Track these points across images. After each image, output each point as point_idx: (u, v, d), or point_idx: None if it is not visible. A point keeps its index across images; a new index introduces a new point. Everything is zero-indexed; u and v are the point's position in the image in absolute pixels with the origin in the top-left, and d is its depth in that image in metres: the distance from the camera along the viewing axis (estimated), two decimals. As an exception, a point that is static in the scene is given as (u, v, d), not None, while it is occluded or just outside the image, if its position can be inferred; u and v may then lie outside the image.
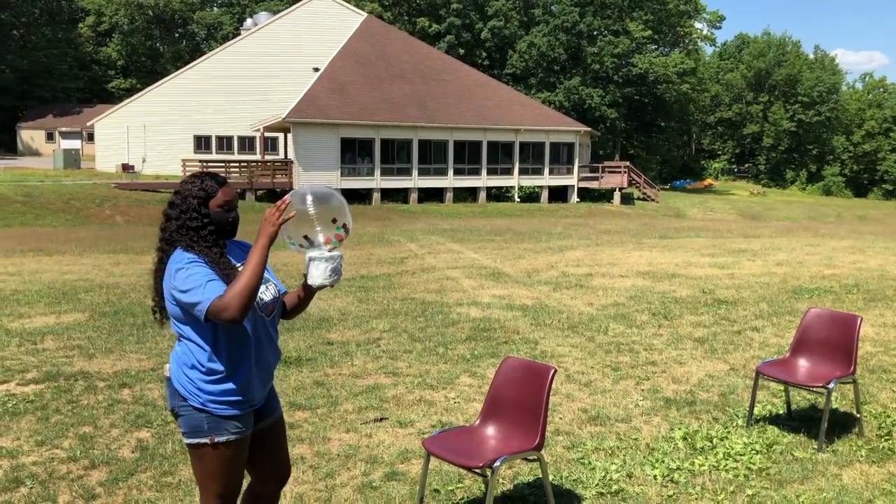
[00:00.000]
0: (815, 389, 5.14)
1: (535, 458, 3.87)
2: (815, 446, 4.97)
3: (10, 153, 60.68)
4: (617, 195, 42.21)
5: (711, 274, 12.82)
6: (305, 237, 2.86)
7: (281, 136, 41.84)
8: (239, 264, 3.00)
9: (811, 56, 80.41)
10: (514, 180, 40.52)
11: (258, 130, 38.78)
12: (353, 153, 36.33)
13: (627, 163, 46.63)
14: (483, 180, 39.58)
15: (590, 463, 4.73)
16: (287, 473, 3.27)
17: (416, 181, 37.38)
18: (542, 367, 3.97)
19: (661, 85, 64.17)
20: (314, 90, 36.52)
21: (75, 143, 59.50)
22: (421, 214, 33.10)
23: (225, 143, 45.73)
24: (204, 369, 2.86)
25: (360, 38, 41.57)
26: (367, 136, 36.37)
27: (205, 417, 2.87)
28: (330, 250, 2.84)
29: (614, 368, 6.90)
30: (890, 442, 5.07)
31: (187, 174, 31.49)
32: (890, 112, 77.24)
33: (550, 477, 4.40)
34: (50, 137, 63.22)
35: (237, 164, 35.66)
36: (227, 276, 2.85)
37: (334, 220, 2.85)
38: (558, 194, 42.09)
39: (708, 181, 70.34)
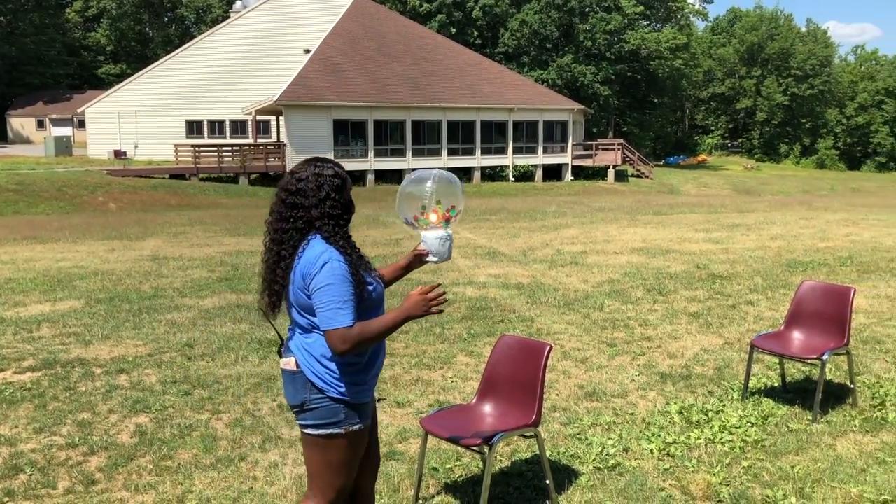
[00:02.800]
0: (809, 361, 5.18)
1: (532, 434, 3.89)
2: (810, 417, 5.01)
3: (1, 141, 60.36)
4: (611, 172, 42.20)
5: (706, 249, 12.85)
6: (417, 217, 3.01)
7: (273, 119, 41.67)
8: None
9: (803, 29, 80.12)
10: (508, 159, 40.47)
11: (250, 114, 38.62)
12: (347, 135, 36.24)
13: (621, 140, 46.56)
14: (477, 160, 39.52)
15: (587, 438, 4.76)
16: (379, 463, 3.27)
17: (409, 162, 37.27)
18: (537, 344, 3.99)
19: (653, 61, 63.97)
20: (305, 72, 36.34)
21: (66, 130, 59.18)
22: (415, 195, 32.97)
23: (217, 127, 45.50)
24: (345, 360, 2.79)
25: (350, 19, 41.32)
26: (359, 118, 36.25)
27: (342, 407, 2.81)
28: (444, 229, 2.96)
29: (610, 344, 6.93)
30: (883, 412, 5.11)
31: (178, 158, 30.98)
32: (882, 84, 77.09)
33: (548, 453, 4.44)
34: (40, 125, 62.89)
35: (230, 148, 35.52)
36: (369, 271, 2.87)
37: (450, 205, 3.00)
38: (553, 173, 42.07)
39: (702, 157, 70.34)
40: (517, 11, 64.27)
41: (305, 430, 2.86)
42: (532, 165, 41.09)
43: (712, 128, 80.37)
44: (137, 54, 71.29)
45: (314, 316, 2.74)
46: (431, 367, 6.32)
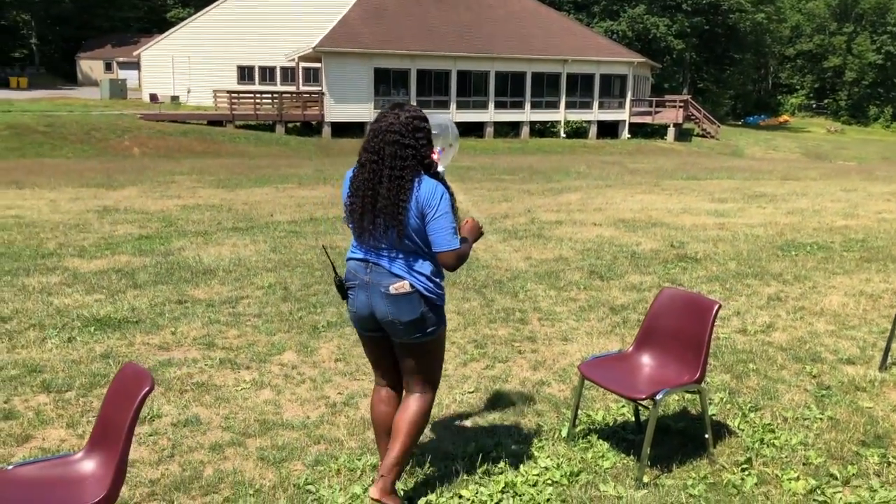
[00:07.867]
0: (641, 403, 3.84)
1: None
2: (637, 477, 3.68)
3: (71, 83, 61.43)
4: (671, 131, 39.79)
5: (700, 223, 11.25)
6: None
7: (322, 66, 40.69)
8: None
9: (906, -19, 73.88)
10: (560, 114, 38.58)
11: (293, 60, 37.75)
12: (388, 85, 35.00)
13: (687, 96, 43.91)
14: (526, 114, 37.78)
15: (317, 491, 3.58)
16: None
17: (453, 114, 35.76)
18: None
19: (733, 14, 60.02)
20: (348, 17, 35.15)
21: (132, 74, 59.58)
22: (453, 150, 31.62)
23: (268, 73, 44.85)
24: (440, 274, 3.28)
25: (401, -37, 39.68)
26: (402, 67, 34.94)
27: (441, 310, 3.32)
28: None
29: (479, 345, 5.67)
30: (747, 473, 3.73)
31: (217, 104, 30.00)
32: None
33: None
34: (108, 68, 63.67)
35: (269, 96, 34.77)
36: None
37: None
38: (609, 129, 39.97)
39: (784, 117, 66.47)
40: (589, -42, 61.09)
41: (419, 339, 3.26)
42: (586, 122, 39.06)
43: (797, 87, 75.60)
44: (206, -1, 71.11)
45: (422, 240, 3.15)
46: (236, 367, 5.19)
